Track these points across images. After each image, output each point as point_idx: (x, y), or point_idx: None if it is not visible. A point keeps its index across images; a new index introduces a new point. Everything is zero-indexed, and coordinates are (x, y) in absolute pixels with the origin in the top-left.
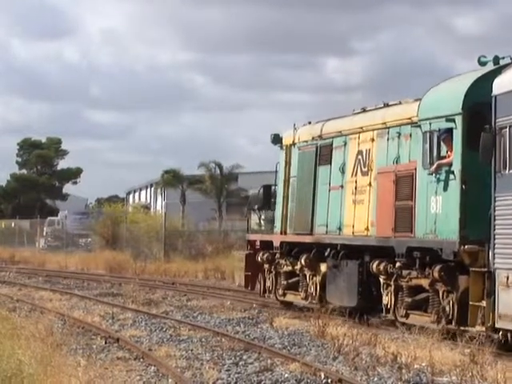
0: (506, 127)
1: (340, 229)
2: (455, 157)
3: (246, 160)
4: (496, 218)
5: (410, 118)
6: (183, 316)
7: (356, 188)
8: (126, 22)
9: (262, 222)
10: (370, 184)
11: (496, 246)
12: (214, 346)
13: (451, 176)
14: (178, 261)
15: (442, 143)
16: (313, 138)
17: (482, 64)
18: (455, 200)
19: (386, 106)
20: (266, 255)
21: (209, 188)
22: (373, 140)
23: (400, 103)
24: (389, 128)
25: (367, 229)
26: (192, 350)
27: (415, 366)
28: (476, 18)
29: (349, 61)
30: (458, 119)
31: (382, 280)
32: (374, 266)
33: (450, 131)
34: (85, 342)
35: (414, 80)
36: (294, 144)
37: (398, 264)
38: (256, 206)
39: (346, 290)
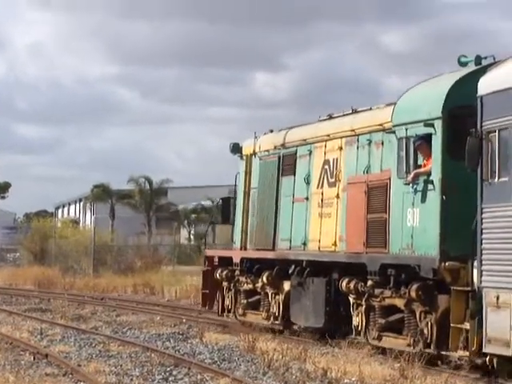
0: (494, 131)
1: (305, 244)
2: (434, 165)
3: (174, 174)
4: (483, 231)
5: (381, 125)
6: (112, 331)
7: (322, 200)
8: (52, 35)
9: (191, 236)
10: (337, 196)
11: (483, 262)
12: (144, 361)
13: (430, 186)
14: (107, 276)
15: (410, 147)
16: (275, 147)
17: (463, 64)
18: (434, 212)
19: (355, 112)
20: (224, 272)
21: (138, 202)
22: (341, 148)
23: (370, 109)
24: (358, 135)
25: (335, 244)
26: (121, 366)
27: (345, 381)
28: (403, 34)
29: (278, 76)
30: (438, 124)
31: (351, 299)
32: (344, 284)
33: (425, 138)
34: (13, 357)
35: (342, 95)
36: (254, 153)
37: (370, 282)
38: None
39: (312, 310)
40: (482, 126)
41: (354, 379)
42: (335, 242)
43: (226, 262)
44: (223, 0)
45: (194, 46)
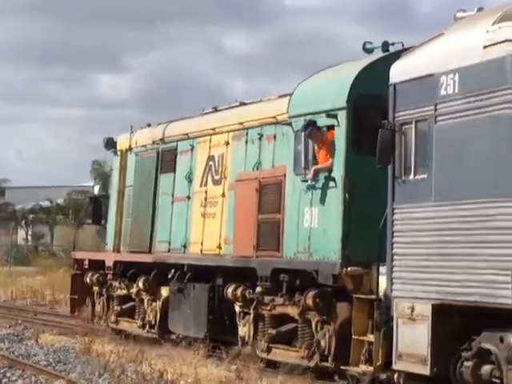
0: (410, 122)
1: (185, 246)
2: (337, 160)
3: (14, 174)
4: (394, 234)
5: (274, 117)
6: None
7: (206, 199)
8: None
9: (29, 237)
10: (223, 194)
11: (394, 268)
12: None
13: (331, 183)
14: None
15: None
16: (153, 142)
17: (368, 51)
18: (336, 212)
19: (243, 104)
20: (95, 276)
21: None
22: (227, 143)
23: (261, 101)
24: (247, 129)
25: (219, 247)
26: None
27: (181, 383)
28: (246, 38)
29: (121, 77)
30: (342, 115)
31: (237, 308)
32: (230, 290)
33: (314, 124)
34: None
35: (185, 96)
36: (130, 149)
37: (259, 289)
38: (84, 220)
39: (193, 319)
40: (394, 117)
41: (189, 381)
42: (220, 244)
43: (97, 265)
44: None
45: (36, 45)
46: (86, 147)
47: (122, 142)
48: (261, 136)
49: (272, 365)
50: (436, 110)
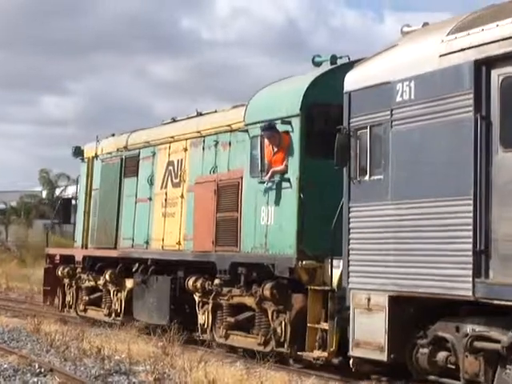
0: (364, 127)
1: (147, 243)
2: (291, 163)
3: None
4: (350, 231)
5: (229, 126)
6: None
7: (166, 200)
8: None
9: None
10: (182, 196)
11: (351, 262)
12: None
13: (286, 184)
14: None
15: (265, 142)
16: (118, 150)
17: (317, 64)
18: (291, 211)
19: (200, 114)
20: (66, 269)
21: None
22: (186, 149)
23: (216, 111)
24: (204, 137)
25: (179, 243)
26: None
27: (116, 357)
28: (169, 66)
29: (64, 99)
30: (296, 121)
31: (197, 298)
32: (190, 282)
33: (274, 127)
34: None
35: (120, 116)
36: (96, 156)
37: (217, 281)
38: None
39: (156, 308)
40: (349, 123)
41: (123, 356)
42: (179, 241)
43: (67, 260)
44: (19, 34)
45: None
46: (34, 158)
47: (88, 150)
48: (217, 143)
49: (231, 350)
50: (392, 115)
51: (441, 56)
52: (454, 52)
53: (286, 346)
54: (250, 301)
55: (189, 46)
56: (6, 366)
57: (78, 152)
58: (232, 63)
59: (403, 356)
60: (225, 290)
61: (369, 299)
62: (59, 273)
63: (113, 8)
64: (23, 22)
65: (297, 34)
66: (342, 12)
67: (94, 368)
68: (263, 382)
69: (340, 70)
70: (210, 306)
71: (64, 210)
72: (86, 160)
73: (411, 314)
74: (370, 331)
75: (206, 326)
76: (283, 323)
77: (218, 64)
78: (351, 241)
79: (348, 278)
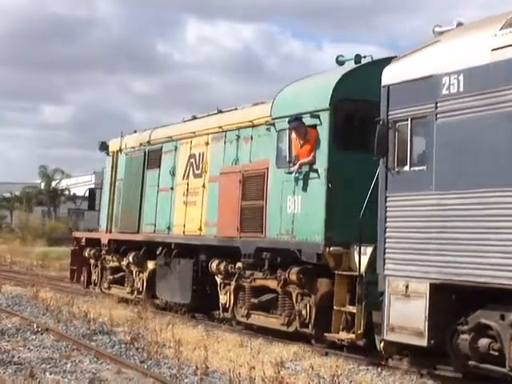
0: (405, 119)
1: (169, 228)
2: (320, 155)
3: None
4: (387, 219)
5: (251, 121)
6: None
7: (188, 190)
8: None
9: None
10: (203, 186)
11: (387, 250)
12: None
13: (313, 174)
14: None
15: (292, 135)
16: (141, 144)
17: (340, 63)
18: (319, 199)
19: (220, 112)
20: (92, 251)
21: None
22: (207, 144)
23: (236, 109)
24: (226, 132)
25: (200, 229)
26: None
27: (100, 320)
28: (147, 82)
29: (60, 108)
30: (325, 115)
31: (218, 279)
32: (214, 265)
33: (300, 119)
34: None
35: (105, 123)
36: (120, 150)
37: (240, 264)
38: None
39: (179, 288)
40: (388, 116)
41: (106, 319)
42: (200, 226)
43: (92, 242)
44: (19, 51)
45: (1, 85)
46: (35, 156)
47: (113, 145)
48: (238, 137)
49: (249, 328)
50: (437, 107)
51: (493, 50)
52: (508, 46)
53: (310, 327)
54: (273, 284)
55: (163, 67)
56: (9, 325)
57: (104, 147)
58: (198, 81)
59: (442, 342)
60: (247, 273)
61: (407, 286)
62: (86, 254)
63: (102, 34)
64: (28, 43)
65: (252, 59)
66: (289, 42)
67: (82, 328)
68: (219, 341)
69: (363, 69)
70: (232, 287)
71: (90, 198)
72: (110, 154)
73: (451, 301)
74: (407, 317)
75: (227, 305)
76: (308, 306)
77: (187, 82)
78: (388, 229)
79: (384, 264)
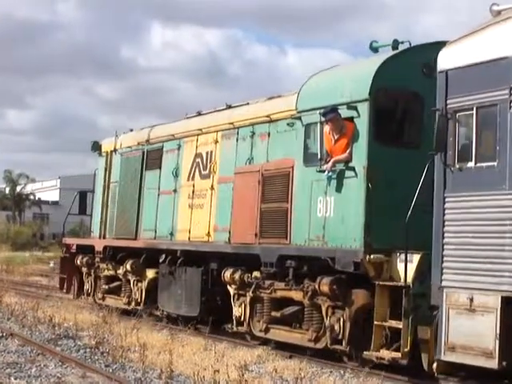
0: (469, 109)
1: (172, 234)
2: (358, 150)
3: None
4: (446, 223)
5: (268, 116)
6: None
7: (194, 192)
8: None
9: None
10: (212, 187)
11: (445, 258)
12: None
13: (350, 173)
14: None
15: (325, 129)
16: (138, 143)
17: (375, 50)
18: (357, 201)
19: (230, 107)
20: (85, 259)
21: None
22: (216, 142)
23: (248, 104)
24: (238, 128)
25: (208, 234)
26: None
27: (65, 325)
28: (112, 87)
29: (24, 112)
30: (363, 106)
31: (232, 290)
32: (227, 274)
33: (337, 111)
34: None
35: (70, 127)
36: (115, 150)
37: (257, 273)
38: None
39: (185, 299)
40: (446, 105)
41: (71, 323)
42: (209, 232)
43: (83, 249)
44: None
45: None
46: None
47: (106, 145)
48: (253, 134)
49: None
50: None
51: None
52: None
53: (344, 343)
54: (297, 295)
55: (127, 71)
56: None
57: (96, 147)
58: (162, 86)
59: None
60: (267, 283)
61: (471, 299)
62: (78, 262)
63: (64, 38)
64: None
65: (216, 64)
66: (252, 47)
67: (47, 333)
68: (184, 345)
69: (406, 54)
70: (249, 298)
71: (80, 201)
72: (103, 154)
73: None
74: (472, 335)
75: (242, 318)
76: (341, 320)
77: (151, 86)
78: (446, 234)
79: (441, 275)
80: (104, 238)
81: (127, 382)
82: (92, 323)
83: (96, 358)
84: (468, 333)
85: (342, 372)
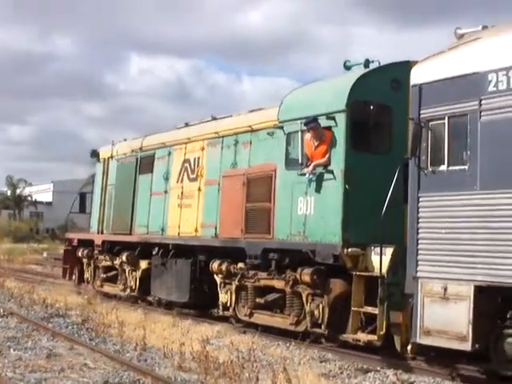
0: (441, 118)
1: (163, 229)
2: (336, 156)
3: None
4: (420, 220)
5: (249, 126)
6: None
7: (183, 193)
8: None
9: None
10: (199, 189)
11: (420, 252)
12: None
13: (329, 176)
14: None
15: (306, 136)
16: (132, 151)
17: (348, 68)
18: (336, 201)
19: (214, 119)
20: (86, 251)
21: None
22: (203, 149)
23: (231, 116)
24: (223, 137)
25: (196, 230)
26: None
27: (56, 305)
28: (98, 107)
29: (23, 128)
30: (340, 117)
31: (219, 279)
32: (215, 265)
33: (317, 120)
34: None
35: (61, 141)
36: (111, 157)
37: (240, 264)
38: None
39: (176, 286)
40: (420, 115)
41: (61, 304)
42: (196, 228)
43: (84, 243)
44: None
45: None
46: (2, 167)
47: (104, 152)
48: (236, 142)
49: (251, 327)
50: (481, 105)
51: None
52: None
53: (323, 327)
54: (279, 284)
55: (110, 94)
56: None
57: (95, 154)
58: (139, 106)
59: (486, 345)
60: (251, 273)
61: (445, 288)
62: (79, 254)
63: (59, 67)
64: None
65: (184, 89)
66: (214, 74)
67: (41, 312)
68: (155, 323)
69: (376, 71)
70: (234, 286)
71: (80, 201)
72: (101, 160)
73: (497, 304)
74: (446, 320)
75: (228, 304)
76: (321, 306)
77: (130, 106)
78: (420, 230)
79: (416, 266)
80: (102, 233)
81: (108, 352)
82: (79, 304)
83: (82, 333)
84: (443, 319)
85: (287, 344)
